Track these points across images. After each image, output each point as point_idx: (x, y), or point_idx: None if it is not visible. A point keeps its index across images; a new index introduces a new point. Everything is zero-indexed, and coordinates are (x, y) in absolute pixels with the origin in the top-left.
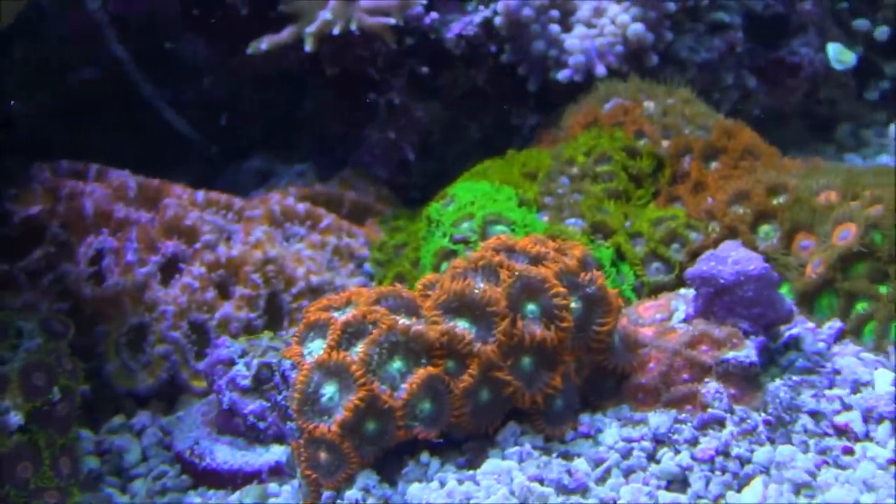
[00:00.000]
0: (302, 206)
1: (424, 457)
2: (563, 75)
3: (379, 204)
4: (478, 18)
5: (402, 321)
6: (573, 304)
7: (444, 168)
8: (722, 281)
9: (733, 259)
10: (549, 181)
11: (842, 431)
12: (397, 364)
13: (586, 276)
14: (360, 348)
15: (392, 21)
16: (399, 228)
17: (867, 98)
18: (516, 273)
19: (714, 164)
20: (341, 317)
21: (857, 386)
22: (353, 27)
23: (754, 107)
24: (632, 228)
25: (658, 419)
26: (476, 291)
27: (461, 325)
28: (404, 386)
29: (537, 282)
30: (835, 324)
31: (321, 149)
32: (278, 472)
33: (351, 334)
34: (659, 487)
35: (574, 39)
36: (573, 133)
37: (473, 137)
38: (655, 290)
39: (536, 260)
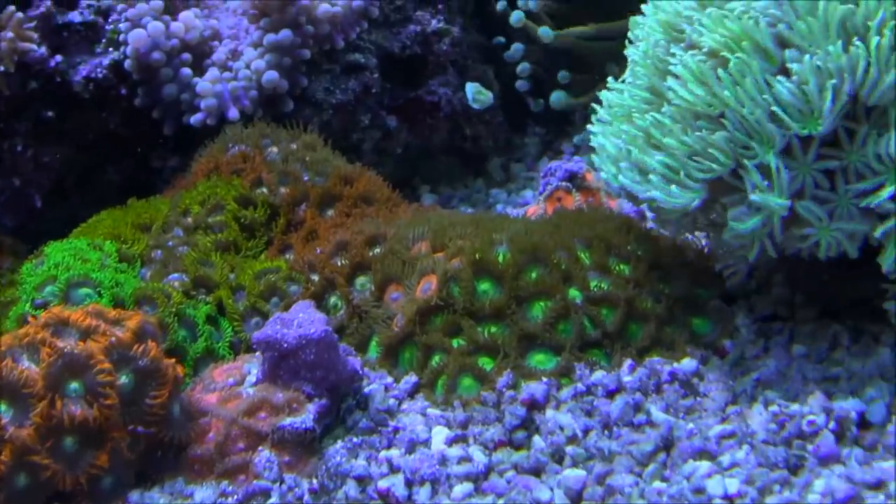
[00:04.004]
0: None
1: None
2: (195, 119)
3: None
4: (106, 61)
5: None
6: (124, 379)
7: (81, 214)
8: (285, 345)
9: (298, 322)
10: (162, 233)
11: (384, 496)
12: None
13: (139, 348)
14: None
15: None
16: (14, 283)
17: (527, 143)
18: (58, 351)
19: (330, 212)
20: None
21: (413, 445)
22: None
23: (397, 145)
24: (235, 282)
25: (203, 493)
26: (14, 373)
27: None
28: None
29: (82, 359)
30: (411, 378)
31: None
32: None
33: None
34: None
35: (206, 83)
36: (194, 181)
37: (112, 181)
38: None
39: (87, 334)
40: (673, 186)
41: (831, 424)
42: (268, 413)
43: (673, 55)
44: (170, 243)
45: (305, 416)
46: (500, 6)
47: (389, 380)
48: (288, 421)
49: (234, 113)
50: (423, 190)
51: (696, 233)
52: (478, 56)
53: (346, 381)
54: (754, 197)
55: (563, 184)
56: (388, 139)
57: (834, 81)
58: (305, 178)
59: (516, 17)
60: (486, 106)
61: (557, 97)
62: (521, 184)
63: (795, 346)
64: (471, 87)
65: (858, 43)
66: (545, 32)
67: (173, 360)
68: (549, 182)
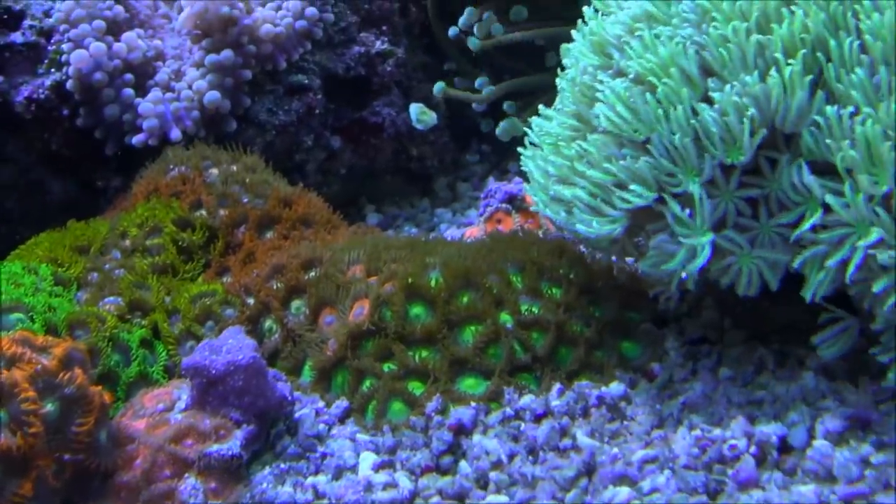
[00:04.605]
0: None
1: None
2: (136, 140)
3: None
4: (48, 81)
5: None
6: (49, 407)
7: (24, 235)
8: (213, 371)
9: (227, 348)
10: (100, 255)
11: None
12: None
13: (66, 375)
14: None
15: None
16: None
17: (470, 161)
18: None
19: (269, 234)
20: None
21: (340, 471)
22: None
23: (341, 166)
24: (171, 305)
25: None
26: None
27: None
28: None
29: (6, 387)
30: (342, 403)
31: None
32: None
33: None
34: None
35: (148, 104)
36: (134, 202)
37: (56, 201)
38: None
39: (12, 362)
40: (595, 221)
41: (752, 449)
42: (195, 440)
43: (601, 82)
44: (107, 266)
45: (232, 443)
46: (451, 32)
47: (321, 404)
48: (214, 448)
49: (175, 133)
50: (369, 210)
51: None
52: (424, 76)
53: (275, 408)
54: (678, 232)
55: (503, 205)
56: (332, 160)
57: (751, 111)
58: (245, 201)
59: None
60: (431, 126)
61: (503, 129)
62: (467, 203)
63: (723, 370)
64: (415, 108)
65: (773, 73)
66: (473, 43)
67: (100, 387)
68: (489, 204)
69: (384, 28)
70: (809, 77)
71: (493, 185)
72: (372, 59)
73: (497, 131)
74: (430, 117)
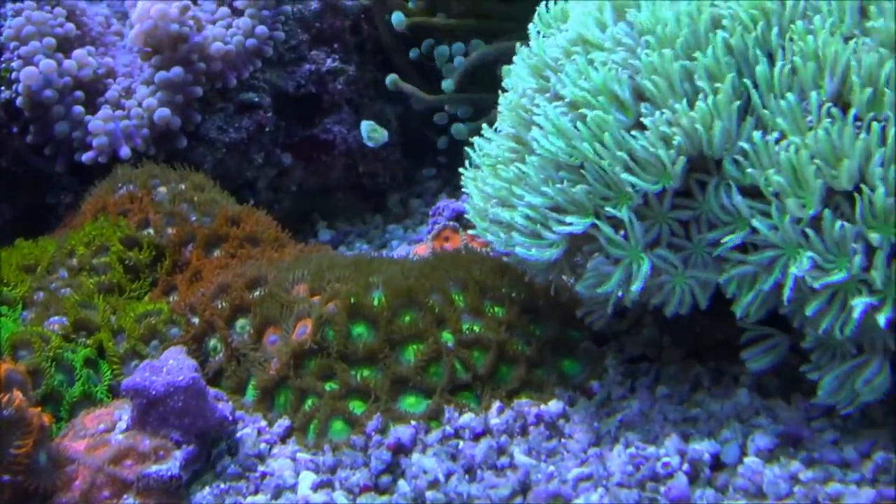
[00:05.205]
0: None
1: None
2: (86, 157)
3: None
4: None
5: None
6: None
7: None
8: (153, 392)
9: (167, 369)
10: (47, 274)
11: None
12: None
13: (4, 398)
14: None
15: None
16: None
17: (426, 175)
18: None
19: (216, 253)
20: None
21: (279, 491)
22: None
23: (292, 183)
24: (116, 324)
25: None
26: None
27: None
28: None
29: None
30: (284, 422)
31: None
32: None
33: None
34: None
35: (98, 121)
36: (83, 221)
37: (6, 219)
38: None
39: None
40: (533, 249)
41: (685, 466)
42: (134, 461)
43: (538, 105)
44: (53, 285)
45: (171, 464)
46: (412, 54)
47: (263, 423)
48: (153, 468)
49: (125, 151)
50: (321, 226)
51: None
52: (376, 93)
53: (215, 428)
54: (613, 254)
55: (451, 223)
56: (283, 177)
57: (678, 140)
58: (193, 219)
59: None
60: (381, 144)
61: (458, 129)
62: (419, 219)
63: (660, 387)
64: (365, 126)
65: (699, 103)
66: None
67: (40, 408)
68: (437, 221)
69: (335, 46)
70: (737, 103)
71: (442, 202)
72: (322, 76)
73: (452, 130)
74: (381, 134)
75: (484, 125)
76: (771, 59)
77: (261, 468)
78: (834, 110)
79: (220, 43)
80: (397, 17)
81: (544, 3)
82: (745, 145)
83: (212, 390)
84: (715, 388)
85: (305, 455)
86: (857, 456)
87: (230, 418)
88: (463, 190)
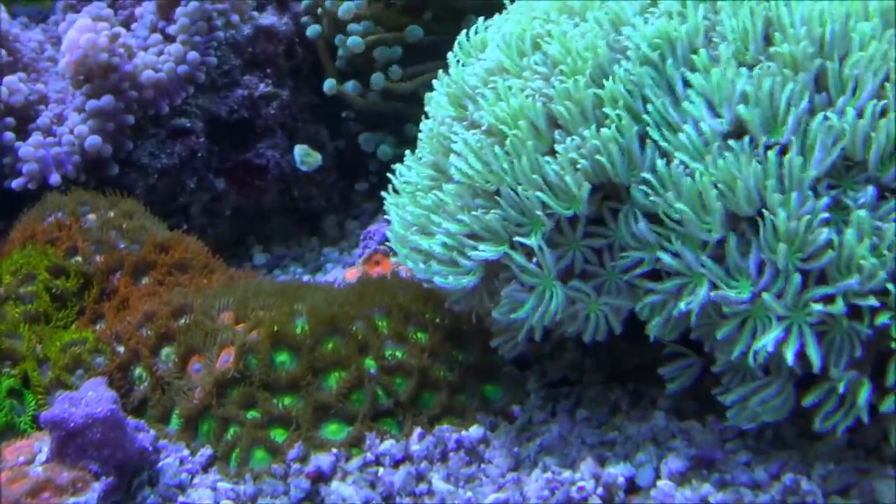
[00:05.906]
0: None
1: None
2: (16, 184)
3: None
4: None
5: None
6: None
7: None
8: (72, 424)
9: (86, 401)
10: None
11: None
12: None
13: None
14: None
15: None
16: None
17: (358, 190)
18: None
19: (145, 280)
20: None
21: None
22: None
23: (226, 207)
24: (42, 354)
25: None
26: None
27: None
28: None
29: None
30: (207, 451)
31: None
32: None
33: None
34: None
35: (29, 148)
36: (10, 249)
37: None
38: None
39: None
40: (450, 277)
41: (599, 490)
42: (52, 493)
43: (456, 133)
44: None
45: (89, 496)
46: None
47: (186, 453)
48: (71, 501)
49: (55, 178)
50: (256, 250)
51: None
52: (311, 117)
53: (135, 459)
54: (526, 281)
55: (381, 247)
56: (217, 201)
57: (582, 164)
58: (121, 247)
59: (328, 85)
60: (315, 167)
61: (383, 151)
62: (355, 242)
63: (580, 411)
64: (299, 150)
65: (603, 129)
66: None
67: None
68: (368, 245)
69: (268, 71)
70: (635, 128)
71: (374, 226)
72: (255, 101)
73: (379, 152)
74: (315, 159)
75: (406, 152)
76: (672, 90)
77: (181, 498)
78: (732, 142)
79: (152, 71)
80: (329, 84)
81: (465, 32)
82: (648, 175)
83: (132, 421)
84: (633, 410)
85: (226, 484)
86: (768, 477)
87: (150, 448)
88: (384, 217)
